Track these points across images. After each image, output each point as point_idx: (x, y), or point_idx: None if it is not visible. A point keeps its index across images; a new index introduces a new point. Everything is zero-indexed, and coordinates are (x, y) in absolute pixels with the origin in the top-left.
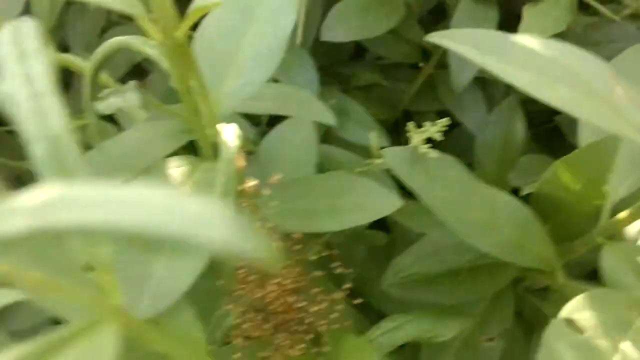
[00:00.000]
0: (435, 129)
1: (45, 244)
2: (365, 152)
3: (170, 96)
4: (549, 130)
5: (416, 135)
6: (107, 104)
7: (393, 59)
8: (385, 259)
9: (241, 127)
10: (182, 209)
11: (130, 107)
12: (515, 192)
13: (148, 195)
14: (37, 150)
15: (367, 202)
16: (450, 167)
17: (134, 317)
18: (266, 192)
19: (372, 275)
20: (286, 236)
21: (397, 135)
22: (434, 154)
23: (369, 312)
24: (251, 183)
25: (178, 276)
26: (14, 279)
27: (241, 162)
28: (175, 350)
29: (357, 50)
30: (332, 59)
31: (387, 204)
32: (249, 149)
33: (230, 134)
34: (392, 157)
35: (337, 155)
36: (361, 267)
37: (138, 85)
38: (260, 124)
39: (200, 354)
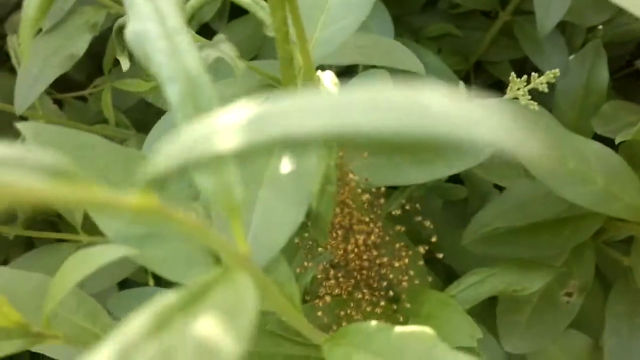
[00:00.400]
0: (542, 79)
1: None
2: None
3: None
4: (628, 76)
5: (516, 86)
6: (205, 55)
7: (467, 7)
8: (460, 215)
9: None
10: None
11: (228, 56)
12: (596, 138)
13: (382, 98)
14: (173, 90)
15: (455, 152)
16: (540, 117)
17: (256, 266)
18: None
19: (447, 231)
20: (370, 190)
21: (468, 86)
22: (534, 106)
23: (441, 269)
24: None
25: (275, 230)
26: (164, 214)
27: None
28: (274, 305)
29: (429, 0)
30: (403, 9)
31: (477, 153)
32: None
33: (328, 80)
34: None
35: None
36: (438, 222)
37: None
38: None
39: (295, 308)
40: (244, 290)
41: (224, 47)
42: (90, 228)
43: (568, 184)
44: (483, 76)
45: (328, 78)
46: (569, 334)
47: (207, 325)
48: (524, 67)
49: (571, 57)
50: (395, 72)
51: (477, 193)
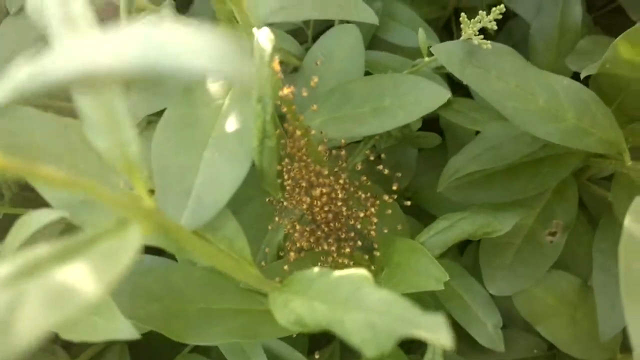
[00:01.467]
0: (489, 17)
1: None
2: (416, 54)
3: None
4: (611, 12)
5: (469, 27)
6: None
7: None
8: (438, 164)
9: (286, 43)
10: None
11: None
12: (575, 78)
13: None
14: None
15: (413, 99)
16: (504, 56)
17: (167, 218)
18: (304, 94)
19: (425, 181)
20: (333, 144)
21: (449, 36)
22: (487, 44)
23: (425, 218)
24: (288, 90)
25: (218, 189)
26: (29, 174)
27: (276, 66)
28: (220, 261)
29: None
30: None
31: (436, 97)
32: (294, 64)
33: (263, 38)
34: (443, 52)
35: (384, 60)
36: (414, 172)
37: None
38: (307, 41)
39: (244, 263)
40: (129, 241)
41: (164, 13)
42: None
43: (538, 121)
44: None
45: (263, 35)
46: (554, 274)
47: (74, 272)
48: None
49: None
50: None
51: (457, 142)
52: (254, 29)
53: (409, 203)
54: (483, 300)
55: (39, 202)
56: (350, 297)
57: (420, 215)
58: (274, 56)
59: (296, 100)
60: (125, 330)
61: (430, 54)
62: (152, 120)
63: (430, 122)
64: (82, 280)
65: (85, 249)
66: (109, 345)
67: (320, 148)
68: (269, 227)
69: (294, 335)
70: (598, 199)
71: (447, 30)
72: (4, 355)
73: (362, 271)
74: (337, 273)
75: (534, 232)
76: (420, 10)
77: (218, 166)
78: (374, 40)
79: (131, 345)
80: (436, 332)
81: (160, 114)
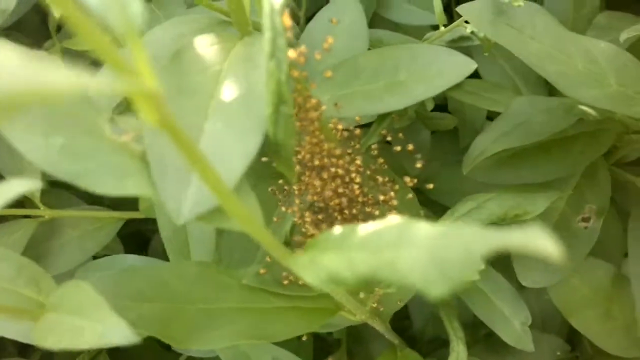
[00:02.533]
0: None
1: None
2: (420, 34)
3: None
4: None
5: None
6: None
7: None
8: (451, 150)
9: None
10: None
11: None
12: None
13: None
14: None
15: (435, 71)
16: (537, 15)
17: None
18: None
19: (435, 168)
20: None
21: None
22: (518, 2)
23: (434, 208)
24: (300, 49)
25: (224, 168)
26: None
27: (287, 20)
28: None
29: None
30: None
31: (461, 68)
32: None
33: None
34: (473, 11)
35: (389, 39)
36: (428, 157)
37: None
38: (299, 23)
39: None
40: None
41: None
42: (53, 202)
43: (580, 85)
44: None
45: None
46: (590, 263)
47: None
48: None
49: None
50: None
51: (468, 125)
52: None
53: (431, 186)
54: (509, 295)
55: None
56: (398, 239)
57: (430, 206)
58: (284, 6)
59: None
60: (119, 333)
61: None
62: None
63: (437, 108)
64: None
65: None
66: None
67: (332, 125)
68: (274, 219)
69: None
70: (627, 185)
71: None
72: None
73: (397, 217)
74: (368, 225)
75: (565, 217)
76: None
77: (223, 140)
78: (374, 19)
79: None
80: (534, 240)
81: None
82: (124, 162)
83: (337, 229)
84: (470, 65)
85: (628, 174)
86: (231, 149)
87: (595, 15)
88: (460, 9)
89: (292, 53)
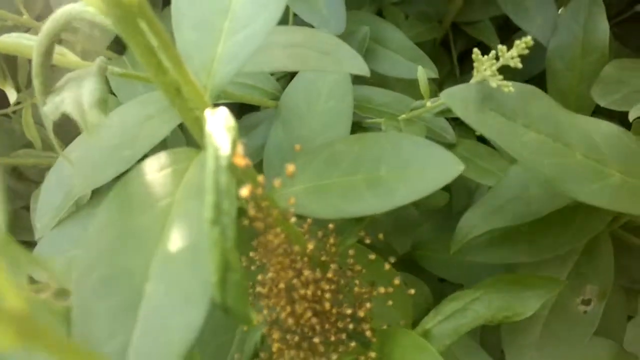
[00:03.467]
0: (511, 53)
1: None
2: (409, 87)
3: None
4: (628, 20)
5: (484, 66)
6: (53, 106)
7: None
8: (442, 218)
9: (259, 80)
10: None
11: (85, 106)
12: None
13: None
14: None
15: (415, 169)
16: (531, 100)
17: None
18: (290, 168)
19: (426, 235)
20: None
21: (448, 55)
22: (508, 87)
23: (425, 276)
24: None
25: (165, 343)
26: None
27: (240, 159)
28: None
29: None
30: None
31: (446, 169)
32: (268, 104)
33: (217, 124)
34: (456, 99)
35: (376, 97)
36: (418, 232)
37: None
38: (284, 76)
39: None
40: None
41: (86, 88)
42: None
43: (579, 179)
44: (463, 40)
45: (217, 120)
46: (592, 343)
47: None
48: (508, 24)
49: (560, 10)
50: None
51: (461, 189)
52: (206, 111)
53: (412, 292)
54: None
55: None
56: None
57: (421, 274)
58: (235, 147)
59: (270, 153)
60: None
61: (432, 95)
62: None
63: None
64: None
65: None
66: None
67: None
68: (243, 330)
69: None
70: (630, 247)
71: (445, 47)
72: None
73: None
74: None
75: (563, 300)
76: (414, 30)
77: (164, 308)
78: None
79: None
80: None
81: None
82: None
83: None
84: (457, 167)
85: (633, 237)
86: (173, 319)
87: (604, 62)
88: (443, 94)
89: (244, 192)
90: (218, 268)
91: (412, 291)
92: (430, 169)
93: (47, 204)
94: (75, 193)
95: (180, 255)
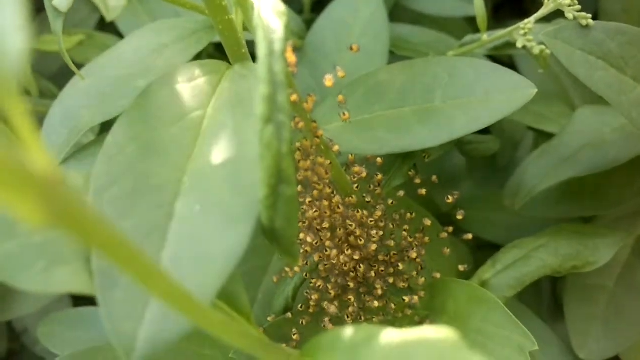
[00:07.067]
0: None
1: None
2: (451, 27)
3: None
4: None
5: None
6: None
7: None
8: (485, 169)
9: None
10: None
11: None
12: None
13: None
14: None
15: (478, 95)
16: (615, 36)
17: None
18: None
19: (471, 186)
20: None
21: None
22: (587, 19)
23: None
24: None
25: (201, 273)
26: None
27: (290, 56)
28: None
29: None
30: None
31: (514, 93)
32: (293, 43)
33: (268, 11)
34: (560, 44)
35: (414, 36)
36: (461, 185)
37: None
38: (303, 12)
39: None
40: None
41: None
42: None
43: None
44: None
45: (268, 6)
46: None
47: None
48: None
49: None
50: None
51: (507, 138)
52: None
53: (461, 217)
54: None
55: None
56: None
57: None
58: (287, 41)
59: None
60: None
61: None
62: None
63: None
64: None
65: None
66: None
67: (355, 169)
68: (274, 280)
69: None
70: None
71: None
72: None
73: (444, 331)
74: (394, 334)
75: (631, 269)
76: None
77: (200, 230)
78: (395, 9)
79: None
80: None
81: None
82: (55, 244)
83: (349, 331)
84: (529, 91)
85: None
86: (211, 244)
87: None
88: (544, 36)
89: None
90: (270, 177)
91: (448, 250)
92: (496, 94)
93: (49, 142)
94: (82, 127)
95: (218, 170)
